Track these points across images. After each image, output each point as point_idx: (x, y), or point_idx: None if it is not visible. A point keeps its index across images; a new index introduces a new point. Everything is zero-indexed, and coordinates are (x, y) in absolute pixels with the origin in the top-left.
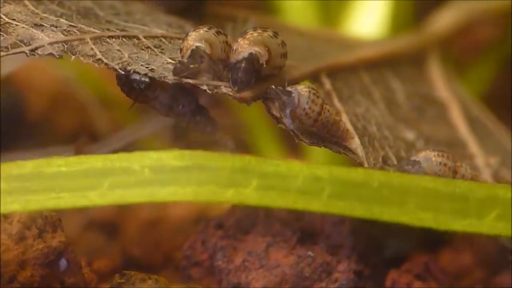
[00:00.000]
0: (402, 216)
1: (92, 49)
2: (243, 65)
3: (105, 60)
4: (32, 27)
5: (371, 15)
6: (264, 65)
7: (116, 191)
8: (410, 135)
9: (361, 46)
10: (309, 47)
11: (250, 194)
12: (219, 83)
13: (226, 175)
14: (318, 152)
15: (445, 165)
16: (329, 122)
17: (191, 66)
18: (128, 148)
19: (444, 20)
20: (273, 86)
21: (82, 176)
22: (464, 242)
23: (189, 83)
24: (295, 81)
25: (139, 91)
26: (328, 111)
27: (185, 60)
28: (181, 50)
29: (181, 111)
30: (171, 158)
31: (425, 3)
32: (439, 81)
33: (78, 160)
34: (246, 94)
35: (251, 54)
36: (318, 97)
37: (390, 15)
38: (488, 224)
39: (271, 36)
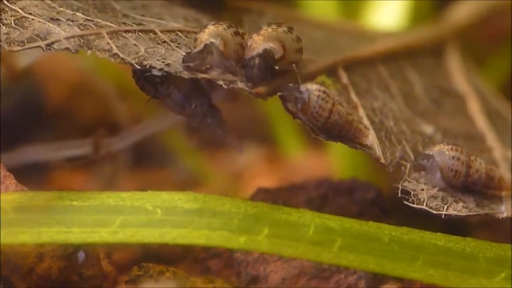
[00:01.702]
0: (412, 272)
1: (108, 43)
2: (257, 61)
3: (121, 55)
4: (49, 21)
5: (389, 7)
6: (279, 61)
7: (127, 230)
8: (428, 128)
9: (379, 38)
10: (327, 40)
11: (262, 242)
12: (235, 78)
13: (238, 221)
14: (339, 145)
15: (458, 159)
16: (339, 124)
17: (197, 57)
18: (147, 140)
19: (462, 12)
20: (286, 83)
21: (93, 212)
22: None
23: (204, 78)
24: (312, 76)
25: (153, 86)
26: (338, 113)
27: (194, 52)
28: (195, 39)
29: (193, 111)
30: (184, 200)
31: None
32: (457, 73)
33: (90, 195)
34: (262, 89)
35: (265, 50)
36: (326, 102)
37: (408, 6)
38: (497, 284)
39: (286, 32)
